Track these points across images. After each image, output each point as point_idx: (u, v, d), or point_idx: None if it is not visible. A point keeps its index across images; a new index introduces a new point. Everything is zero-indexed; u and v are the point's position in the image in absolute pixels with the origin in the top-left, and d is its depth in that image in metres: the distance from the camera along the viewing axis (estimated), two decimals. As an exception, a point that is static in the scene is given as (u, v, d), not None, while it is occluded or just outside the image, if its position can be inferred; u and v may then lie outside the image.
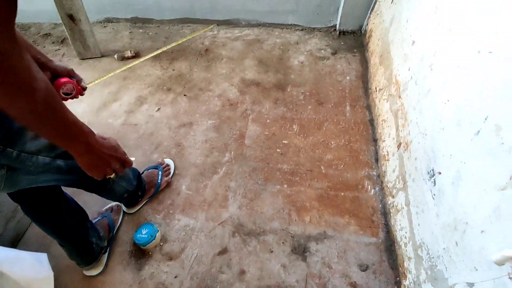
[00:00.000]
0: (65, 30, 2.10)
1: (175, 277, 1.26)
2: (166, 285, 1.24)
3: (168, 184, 1.54)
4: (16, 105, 0.53)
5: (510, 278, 0.67)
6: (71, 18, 2.02)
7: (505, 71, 0.73)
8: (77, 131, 0.68)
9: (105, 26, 2.60)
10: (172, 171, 1.58)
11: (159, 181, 1.50)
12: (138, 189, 1.37)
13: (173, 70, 2.15)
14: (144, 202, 1.47)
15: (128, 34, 2.49)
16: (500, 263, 0.59)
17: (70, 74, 0.96)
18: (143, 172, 1.52)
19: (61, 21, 2.02)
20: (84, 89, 0.98)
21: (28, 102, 0.54)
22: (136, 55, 2.24)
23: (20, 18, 2.71)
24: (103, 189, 1.16)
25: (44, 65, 0.90)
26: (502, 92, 0.74)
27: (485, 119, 0.79)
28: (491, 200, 0.73)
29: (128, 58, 2.22)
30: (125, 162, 0.84)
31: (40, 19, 2.70)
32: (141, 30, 2.53)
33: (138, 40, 2.42)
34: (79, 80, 0.97)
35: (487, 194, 0.75)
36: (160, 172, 1.52)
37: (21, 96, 0.53)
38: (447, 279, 0.90)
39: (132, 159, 0.87)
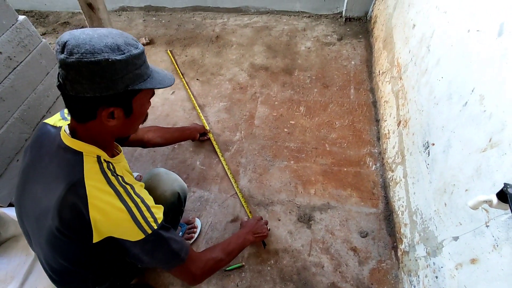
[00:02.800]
0: (84, 19, 2.21)
1: (192, 241, 1.40)
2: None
3: (184, 160, 1.67)
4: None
5: (487, 226, 0.78)
6: (90, 7, 2.13)
7: (489, 46, 0.83)
8: (244, 245, 1.15)
9: (120, 15, 2.71)
10: (196, 235, 1.40)
11: None
12: None
13: (186, 56, 2.26)
14: None
15: (142, 22, 2.60)
16: (475, 207, 0.69)
17: (201, 130, 1.67)
18: None
19: (78, 10, 2.13)
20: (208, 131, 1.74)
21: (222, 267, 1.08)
22: (151, 42, 2.35)
23: (37, 6, 2.84)
24: None
25: (185, 138, 1.58)
26: (486, 65, 0.83)
27: (472, 91, 0.88)
28: (474, 161, 0.83)
29: (144, 44, 2.33)
30: (266, 224, 1.33)
31: (57, 8, 2.82)
32: (154, 18, 2.63)
33: (152, 28, 2.53)
34: (206, 130, 1.72)
35: (470, 157, 0.85)
36: (180, 234, 1.38)
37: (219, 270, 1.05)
38: (437, 237, 1.01)
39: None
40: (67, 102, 0.70)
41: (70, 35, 0.64)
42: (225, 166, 1.61)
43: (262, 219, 1.36)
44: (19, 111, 1.27)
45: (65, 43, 0.63)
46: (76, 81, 0.64)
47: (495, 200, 0.64)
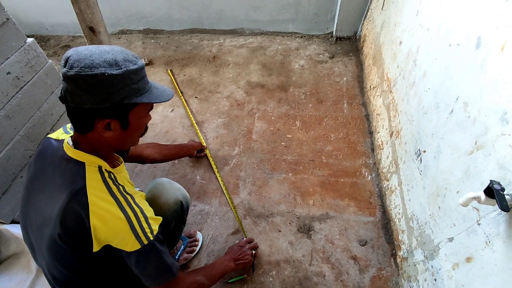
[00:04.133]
0: (85, 41, 2.30)
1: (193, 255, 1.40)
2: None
3: (184, 174, 1.70)
4: None
5: (478, 224, 0.82)
6: (91, 30, 2.22)
7: (469, 57, 0.90)
8: (225, 271, 1.16)
9: (119, 38, 2.81)
10: (197, 248, 1.41)
11: (176, 256, 1.35)
12: None
13: (184, 75, 2.34)
14: None
15: (141, 44, 2.70)
16: (465, 204, 0.73)
17: (199, 147, 1.73)
18: None
19: (78, 34, 2.21)
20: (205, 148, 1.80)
21: None
22: (150, 63, 2.43)
23: (38, 31, 2.93)
24: None
25: (183, 155, 1.64)
26: (466, 74, 0.91)
27: (456, 99, 0.95)
28: (463, 164, 0.89)
29: (142, 65, 2.41)
30: (253, 248, 1.34)
31: (58, 32, 2.92)
32: (152, 41, 2.73)
33: (151, 50, 2.62)
34: (203, 146, 1.78)
35: (459, 160, 0.91)
36: (182, 247, 1.38)
37: None
38: (433, 240, 1.05)
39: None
40: (69, 113, 0.74)
41: (74, 51, 0.69)
42: (220, 183, 1.63)
43: (251, 241, 1.37)
44: (24, 129, 1.30)
45: (68, 57, 0.68)
46: (75, 93, 0.69)
47: (483, 196, 0.68)
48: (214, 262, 1.18)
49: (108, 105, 0.71)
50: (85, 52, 0.68)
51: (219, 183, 1.65)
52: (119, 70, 0.69)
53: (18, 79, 1.27)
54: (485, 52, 0.83)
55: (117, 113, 0.74)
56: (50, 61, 1.44)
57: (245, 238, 1.41)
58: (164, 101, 0.81)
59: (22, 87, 1.29)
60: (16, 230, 1.27)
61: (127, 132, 0.80)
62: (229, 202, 1.56)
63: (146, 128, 0.89)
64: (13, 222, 1.31)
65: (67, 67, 0.67)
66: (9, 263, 1.30)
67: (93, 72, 0.66)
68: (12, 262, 1.30)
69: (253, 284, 1.29)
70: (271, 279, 1.31)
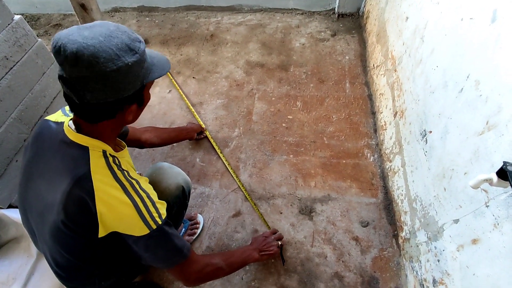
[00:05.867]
0: (77, 20, 2.20)
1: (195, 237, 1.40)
2: (187, 244, 1.38)
3: (183, 157, 1.67)
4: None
5: (487, 206, 0.80)
6: (83, 8, 2.12)
7: (482, 32, 0.85)
8: (247, 260, 1.12)
9: (112, 16, 2.70)
10: (198, 231, 1.41)
11: None
12: None
13: (181, 55, 2.26)
14: None
15: (136, 23, 2.60)
16: (476, 186, 0.71)
17: (198, 129, 1.70)
18: None
19: (69, 12, 2.12)
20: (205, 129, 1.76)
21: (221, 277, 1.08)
22: (145, 42, 2.34)
23: (28, 9, 2.81)
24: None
25: (182, 138, 1.58)
26: (480, 51, 0.86)
27: (467, 77, 0.91)
28: (472, 144, 0.86)
29: (137, 44, 2.32)
30: (278, 239, 1.29)
31: (48, 10, 2.79)
32: (147, 18, 2.63)
33: (146, 28, 2.53)
34: (203, 128, 1.74)
35: (468, 141, 0.88)
36: (183, 230, 1.38)
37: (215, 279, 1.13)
38: (437, 221, 1.04)
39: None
40: (81, 110, 0.71)
41: (74, 43, 0.61)
42: (225, 162, 1.61)
43: (275, 232, 1.33)
44: (16, 111, 1.26)
45: (76, 54, 0.60)
46: (98, 89, 0.65)
47: (495, 178, 0.66)
48: (236, 249, 1.16)
49: (132, 91, 0.70)
50: (90, 42, 0.61)
51: (221, 164, 1.62)
52: (136, 55, 0.67)
53: (7, 59, 1.21)
54: (501, 27, 0.78)
55: (138, 96, 0.74)
56: (39, 39, 1.38)
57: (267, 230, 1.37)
58: (169, 70, 0.80)
59: (11, 68, 1.23)
60: (14, 214, 1.25)
61: (141, 108, 0.80)
62: (237, 181, 1.55)
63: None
64: (10, 206, 1.29)
65: (82, 65, 0.61)
66: (9, 247, 1.29)
67: (117, 66, 0.63)
68: (12, 246, 1.29)
69: (255, 265, 1.30)
70: (273, 260, 1.31)
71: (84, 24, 0.67)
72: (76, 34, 0.63)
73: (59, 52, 0.62)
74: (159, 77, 0.77)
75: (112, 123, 0.75)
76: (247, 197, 1.49)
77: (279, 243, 1.27)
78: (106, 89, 0.65)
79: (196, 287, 1.19)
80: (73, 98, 0.67)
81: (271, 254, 1.21)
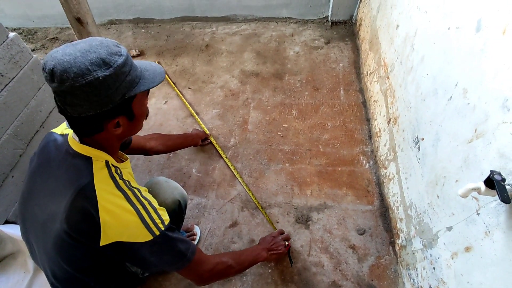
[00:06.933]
0: (73, 33, 2.22)
1: (192, 248, 1.40)
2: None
3: (180, 168, 1.67)
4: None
5: (478, 214, 0.80)
6: (79, 21, 2.14)
7: (468, 41, 0.87)
8: (256, 259, 1.13)
9: (108, 28, 2.72)
10: (196, 242, 1.40)
11: None
12: None
13: (177, 65, 2.28)
14: None
15: (131, 34, 2.62)
16: (465, 195, 0.72)
17: (203, 136, 1.71)
18: None
19: (66, 25, 2.14)
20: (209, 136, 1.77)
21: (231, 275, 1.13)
22: (141, 53, 2.37)
23: (25, 24, 2.84)
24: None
25: (188, 144, 1.60)
26: (466, 60, 0.87)
27: (456, 85, 0.92)
28: (462, 152, 0.87)
29: (134, 56, 2.35)
30: (285, 239, 1.30)
31: (45, 24, 2.82)
32: (143, 30, 2.66)
33: (141, 40, 2.55)
34: (207, 134, 1.76)
35: (458, 148, 0.88)
36: None
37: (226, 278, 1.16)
38: (432, 228, 1.04)
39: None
40: (72, 124, 0.73)
41: (54, 60, 0.64)
42: (231, 167, 1.64)
43: (283, 232, 1.34)
44: (12, 127, 1.27)
45: (52, 70, 0.64)
46: (75, 104, 0.67)
47: (483, 187, 0.66)
48: (245, 249, 1.18)
49: (111, 105, 0.70)
50: (66, 58, 0.64)
51: (216, 175, 1.63)
52: (110, 69, 0.67)
53: (2, 76, 1.23)
54: (486, 36, 0.79)
55: (122, 109, 0.74)
56: (35, 55, 1.39)
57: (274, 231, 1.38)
58: (160, 82, 0.80)
59: (7, 84, 1.25)
60: (11, 230, 1.25)
61: (134, 122, 0.80)
62: (246, 190, 1.56)
63: (147, 111, 0.88)
64: (7, 222, 1.29)
65: (56, 81, 0.64)
66: (5, 263, 1.28)
67: (87, 80, 0.64)
68: (8, 262, 1.29)
69: (252, 276, 1.29)
70: (269, 270, 1.31)
71: (75, 41, 0.69)
72: (61, 51, 0.66)
73: (44, 69, 0.66)
74: (145, 90, 0.77)
75: (105, 136, 0.76)
76: (254, 200, 1.51)
77: (286, 243, 1.29)
78: (83, 103, 0.67)
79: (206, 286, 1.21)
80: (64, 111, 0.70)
81: (279, 253, 1.23)
